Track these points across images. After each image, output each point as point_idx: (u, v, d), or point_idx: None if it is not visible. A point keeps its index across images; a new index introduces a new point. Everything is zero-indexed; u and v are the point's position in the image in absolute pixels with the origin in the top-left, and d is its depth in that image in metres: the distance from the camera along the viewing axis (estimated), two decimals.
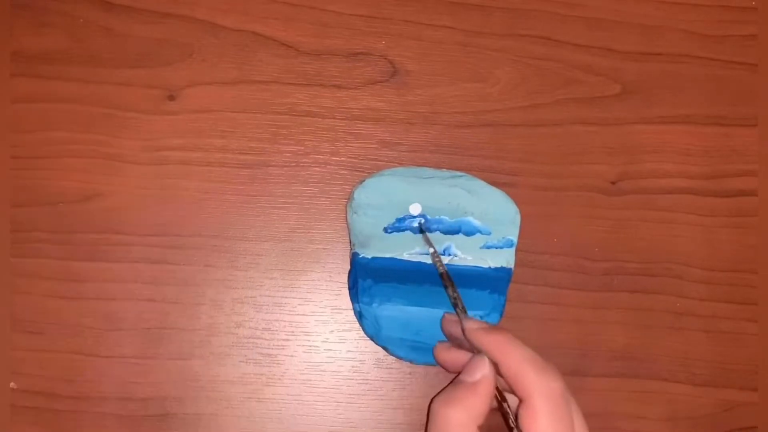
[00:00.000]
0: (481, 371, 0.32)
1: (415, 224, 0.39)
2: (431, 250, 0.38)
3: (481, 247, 0.39)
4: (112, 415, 0.38)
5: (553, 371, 0.31)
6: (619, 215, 0.41)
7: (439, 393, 0.32)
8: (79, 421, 0.38)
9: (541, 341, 0.40)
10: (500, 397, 0.33)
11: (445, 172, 0.40)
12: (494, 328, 0.34)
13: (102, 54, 0.41)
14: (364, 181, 0.39)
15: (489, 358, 0.32)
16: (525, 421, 0.30)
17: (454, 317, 0.36)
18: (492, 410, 0.33)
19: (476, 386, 0.32)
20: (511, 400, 0.32)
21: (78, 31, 0.41)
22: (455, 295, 0.36)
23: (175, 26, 0.41)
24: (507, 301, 0.39)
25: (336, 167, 0.41)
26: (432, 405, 0.32)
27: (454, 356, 0.35)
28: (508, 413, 0.32)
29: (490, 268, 0.39)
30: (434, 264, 0.37)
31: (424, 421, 0.39)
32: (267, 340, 0.39)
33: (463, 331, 0.34)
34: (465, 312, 0.36)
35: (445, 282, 0.37)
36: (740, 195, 0.42)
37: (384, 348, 0.39)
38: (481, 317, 0.39)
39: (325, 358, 0.39)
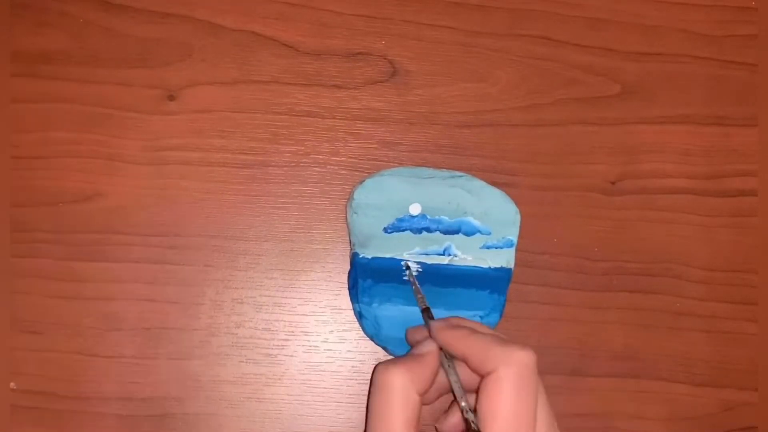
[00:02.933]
0: (429, 347, 0.33)
1: (405, 270, 0.39)
2: (414, 287, 0.38)
3: (481, 247, 0.39)
4: (112, 415, 0.38)
5: (523, 347, 0.30)
6: (619, 215, 0.41)
7: (385, 360, 0.33)
8: (79, 421, 0.38)
9: (541, 341, 0.40)
10: (448, 364, 0.33)
11: (445, 172, 0.40)
12: (456, 323, 0.34)
13: (102, 54, 0.41)
14: (364, 181, 0.39)
15: (455, 353, 0.32)
16: (488, 388, 0.30)
17: (417, 327, 0.36)
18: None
19: (422, 356, 0.32)
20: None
21: (78, 31, 0.41)
22: (422, 298, 0.37)
23: (174, 26, 0.41)
24: (507, 301, 0.39)
25: (336, 167, 0.41)
26: (376, 368, 0.32)
27: (422, 335, 0.35)
28: (460, 394, 0.32)
29: (490, 268, 0.39)
30: (416, 300, 0.37)
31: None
32: (267, 340, 0.39)
33: (429, 333, 0.34)
34: (431, 314, 0.36)
35: (419, 306, 0.37)
36: (740, 195, 0.42)
37: (384, 348, 0.39)
38: (481, 317, 0.39)
39: (325, 358, 0.39)
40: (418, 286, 0.38)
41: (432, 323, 0.34)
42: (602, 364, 0.40)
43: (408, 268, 0.38)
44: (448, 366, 0.33)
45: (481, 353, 0.31)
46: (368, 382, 0.39)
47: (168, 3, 0.41)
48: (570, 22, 0.43)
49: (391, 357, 0.39)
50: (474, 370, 0.31)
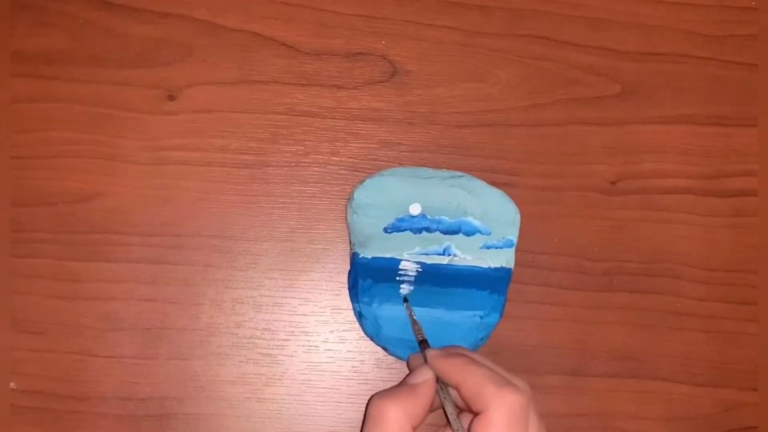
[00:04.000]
0: (424, 376, 0.33)
1: (404, 293, 0.39)
2: (411, 318, 0.38)
3: (481, 247, 0.39)
4: (112, 415, 0.38)
5: (515, 387, 0.31)
6: (619, 215, 0.41)
7: (380, 391, 0.33)
8: (79, 421, 0.38)
9: (541, 341, 0.40)
10: (444, 394, 0.33)
11: (445, 172, 0.40)
12: (453, 352, 0.34)
13: (102, 54, 0.41)
14: (364, 181, 0.39)
15: (450, 382, 0.32)
16: (478, 429, 0.30)
17: (419, 354, 0.36)
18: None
19: (417, 387, 0.33)
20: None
21: (78, 31, 0.41)
22: (419, 329, 0.37)
23: (174, 26, 0.41)
24: (507, 301, 0.39)
25: (336, 167, 0.41)
26: (371, 399, 0.32)
27: (420, 362, 0.36)
28: (456, 426, 0.32)
29: (490, 268, 0.39)
30: (413, 333, 0.37)
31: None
32: (267, 340, 0.39)
33: (425, 360, 0.34)
34: (428, 345, 0.36)
35: (414, 329, 0.37)
36: (740, 195, 0.42)
37: (384, 348, 0.39)
38: (481, 317, 0.39)
39: (325, 358, 0.39)
40: (415, 318, 0.38)
41: (429, 351, 0.34)
42: (602, 364, 0.40)
43: (406, 300, 0.38)
44: (444, 397, 0.33)
45: (474, 389, 0.31)
46: (368, 382, 0.39)
47: (168, 3, 0.41)
48: (570, 22, 0.43)
49: (390, 357, 0.39)
50: (465, 402, 0.32)
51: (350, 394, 0.39)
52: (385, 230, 0.39)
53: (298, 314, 0.40)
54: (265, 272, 0.40)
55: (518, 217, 0.39)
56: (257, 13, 0.41)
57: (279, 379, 0.39)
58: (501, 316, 0.39)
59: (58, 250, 0.39)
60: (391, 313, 0.38)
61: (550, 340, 0.40)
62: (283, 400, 0.39)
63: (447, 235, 0.39)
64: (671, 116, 0.43)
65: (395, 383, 0.39)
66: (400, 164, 0.41)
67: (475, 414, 0.31)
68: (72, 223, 0.39)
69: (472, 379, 0.31)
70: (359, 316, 0.39)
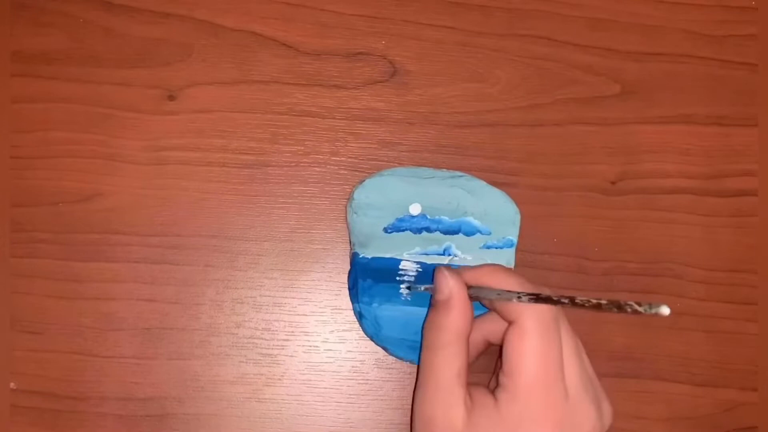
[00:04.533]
0: (448, 286, 0.33)
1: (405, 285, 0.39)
2: (422, 289, 0.38)
3: (481, 247, 0.39)
4: (112, 415, 0.38)
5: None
6: (619, 215, 0.41)
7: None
8: (79, 421, 0.38)
9: None
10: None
11: (445, 172, 0.40)
12: (484, 264, 0.35)
13: (102, 54, 0.41)
14: (364, 181, 0.39)
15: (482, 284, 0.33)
16: (512, 339, 0.31)
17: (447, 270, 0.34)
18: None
19: (448, 303, 0.32)
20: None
21: (78, 31, 0.41)
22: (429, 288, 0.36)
23: (174, 26, 0.41)
24: None
25: (336, 167, 0.41)
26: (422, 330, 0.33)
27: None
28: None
29: None
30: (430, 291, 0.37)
31: None
32: (267, 340, 0.39)
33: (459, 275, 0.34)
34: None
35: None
36: (740, 195, 0.42)
37: (384, 348, 0.39)
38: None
39: (325, 358, 0.39)
40: (419, 287, 0.38)
41: (460, 267, 0.34)
42: (602, 364, 0.40)
43: (409, 288, 0.38)
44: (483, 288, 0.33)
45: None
46: (368, 382, 0.39)
47: (168, 3, 0.41)
48: (570, 22, 0.43)
49: (390, 357, 0.39)
50: (496, 310, 0.32)
51: (350, 394, 0.39)
52: (385, 230, 0.39)
53: (298, 314, 0.40)
54: (265, 272, 0.40)
55: (518, 217, 0.39)
56: (257, 13, 0.41)
57: (279, 379, 0.39)
58: None
59: (58, 250, 0.39)
60: (391, 313, 0.38)
61: None
62: (283, 400, 0.39)
63: (447, 235, 0.39)
64: (671, 116, 0.43)
65: (395, 383, 0.39)
66: (400, 164, 0.41)
67: (508, 322, 0.32)
68: (72, 223, 0.39)
69: (503, 286, 0.32)
70: (359, 316, 0.39)
